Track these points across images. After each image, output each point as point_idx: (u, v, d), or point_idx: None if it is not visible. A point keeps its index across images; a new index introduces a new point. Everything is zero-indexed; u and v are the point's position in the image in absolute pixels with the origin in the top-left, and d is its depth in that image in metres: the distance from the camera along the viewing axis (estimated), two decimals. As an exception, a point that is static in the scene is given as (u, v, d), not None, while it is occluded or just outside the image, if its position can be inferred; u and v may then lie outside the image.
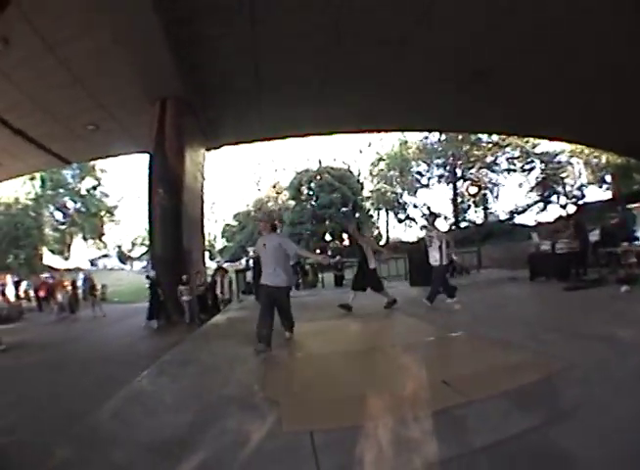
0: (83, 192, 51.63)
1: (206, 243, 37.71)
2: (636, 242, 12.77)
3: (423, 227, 12.49)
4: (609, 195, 38.60)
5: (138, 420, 4.12)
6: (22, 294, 24.89)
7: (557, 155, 43.48)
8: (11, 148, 17.86)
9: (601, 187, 42.55)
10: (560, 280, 12.51)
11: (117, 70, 12.92)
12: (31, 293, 25.72)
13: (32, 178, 44.09)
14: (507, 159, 46.71)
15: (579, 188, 44.21)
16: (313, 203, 49.56)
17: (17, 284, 24.97)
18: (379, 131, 27.89)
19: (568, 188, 44.77)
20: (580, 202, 40.60)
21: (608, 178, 41.14)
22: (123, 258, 66.31)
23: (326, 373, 5.38)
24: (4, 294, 20.40)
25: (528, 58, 13.80)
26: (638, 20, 11.46)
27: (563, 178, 44.31)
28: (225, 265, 23.54)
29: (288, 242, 7.25)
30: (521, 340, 5.98)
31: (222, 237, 60.15)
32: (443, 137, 47.56)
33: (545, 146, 42.94)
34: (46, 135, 17.52)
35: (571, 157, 43.17)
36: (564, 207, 43.30)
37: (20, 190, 44.74)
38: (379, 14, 11.45)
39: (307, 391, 4.52)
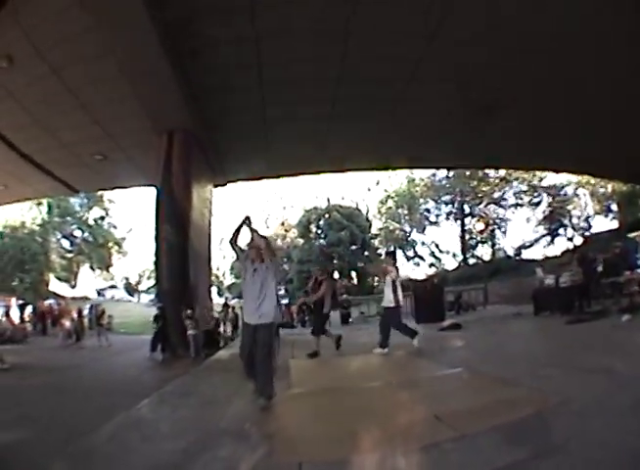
0: (91, 222, 51.77)
1: (215, 279, 37.85)
2: (639, 270, 12.78)
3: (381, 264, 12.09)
4: (615, 224, 38.34)
5: (134, 445, 4.24)
6: (27, 317, 24.57)
7: (563, 187, 43.47)
8: (17, 171, 17.96)
9: (607, 217, 42.40)
10: (563, 314, 12.48)
11: (124, 100, 13.01)
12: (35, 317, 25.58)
13: (39, 204, 44.20)
14: (514, 193, 46.64)
15: (586, 219, 44.05)
16: (322, 241, 49.75)
17: (22, 307, 24.70)
18: (386, 169, 28.07)
19: (574, 220, 44.68)
20: (587, 233, 40.48)
21: (614, 207, 41.09)
22: (131, 289, 66.26)
23: (321, 409, 5.44)
24: (8, 315, 20.15)
25: (532, 93, 13.98)
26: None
27: (569, 211, 44.25)
28: (233, 302, 23.68)
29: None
30: (519, 375, 6.00)
31: (231, 273, 60.10)
32: (451, 174, 47.43)
33: (552, 179, 42.94)
34: (53, 161, 17.64)
35: (578, 188, 43.10)
36: (571, 239, 43.23)
37: (26, 215, 44.95)
38: (386, 49, 11.68)
39: (301, 425, 4.58)
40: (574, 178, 40.41)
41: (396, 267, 10.66)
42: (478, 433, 3.91)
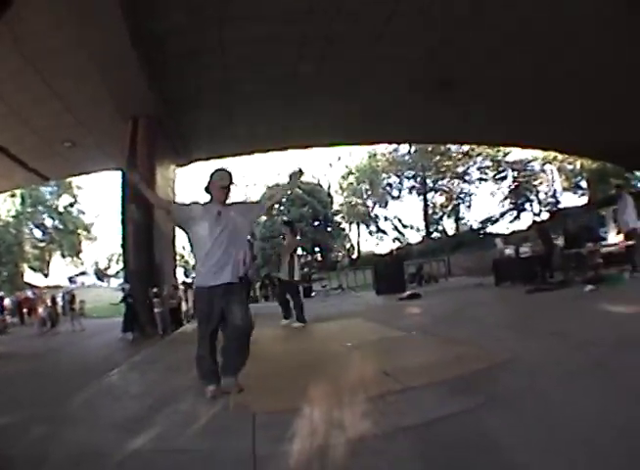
0: (61, 209, 51.46)
1: (180, 258, 37.58)
2: (602, 242, 13.08)
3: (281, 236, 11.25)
4: (585, 201, 38.73)
5: (105, 405, 4.64)
6: (6, 309, 24.96)
7: (529, 162, 44.00)
8: None
9: (576, 193, 43.09)
10: (524, 284, 12.50)
11: (94, 88, 13.21)
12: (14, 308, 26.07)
13: (13, 195, 43.95)
14: (478, 168, 47.40)
15: (553, 195, 44.72)
16: (285, 218, 49.31)
17: (1, 300, 25.08)
18: (348, 145, 28.14)
19: (542, 196, 45.23)
20: (554, 208, 40.88)
21: (583, 184, 41.68)
22: (101, 275, 65.61)
23: (276, 369, 5.66)
24: None
25: (496, 66, 14.20)
26: (608, 22, 11.88)
27: (536, 186, 44.75)
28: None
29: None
30: (472, 337, 6.22)
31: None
32: (413, 149, 48.16)
33: (517, 154, 43.52)
34: (26, 151, 17.74)
35: (544, 164, 43.61)
36: (537, 214, 43.73)
37: (0, 207, 44.77)
38: (347, 25, 11.94)
39: (256, 383, 4.72)
40: (541, 154, 40.87)
41: (296, 239, 10.38)
42: (422, 385, 4.12)
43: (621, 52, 13.12)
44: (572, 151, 27.77)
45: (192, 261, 52.80)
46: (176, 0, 10.65)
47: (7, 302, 26.66)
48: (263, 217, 50.44)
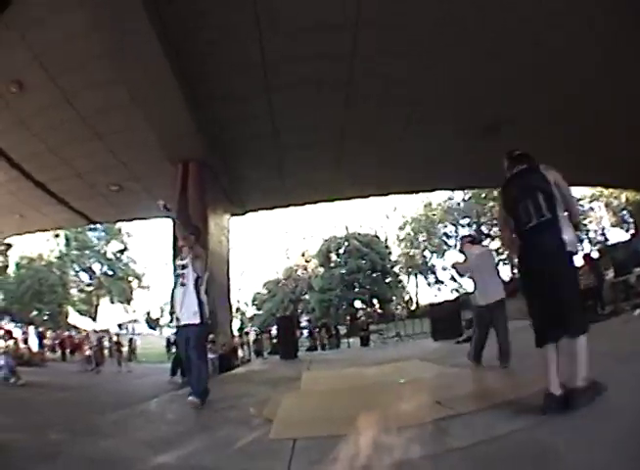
0: (110, 255, 51.65)
1: (236, 310, 37.71)
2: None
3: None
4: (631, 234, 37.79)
5: (139, 426, 4.42)
6: (46, 345, 24.79)
7: (578, 201, 43.27)
8: (32, 200, 17.85)
9: (622, 228, 42.02)
10: None
11: (137, 129, 12.92)
12: (55, 345, 25.87)
13: (57, 236, 44.70)
14: (530, 211, 46.29)
15: (602, 232, 43.80)
16: (342, 270, 49.55)
17: (41, 335, 25.15)
18: (396, 194, 27.86)
19: (591, 234, 44.36)
20: (601, 246, 39.72)
21: (629, 218, 40.80)
22: (152, 323, 66.25)
23: (327, 402, 5.54)
24: (26, 342, 20.48)
25: (535, 108, 13.81)
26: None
27: (586, 225, 43.94)
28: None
29: None
30: (525, 368, 5.91)
31: (252, 305, 60.05)
32: (467, 196, 47.66)
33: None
34: (68, 191, 17.51)
35: (592, 201, 42.90)
36: (588, 254, 42.76)
37: (43, 246, 45.33)
38: (392, 77, 11.87)
39: (303, 412, 4.69)
40: (588, 192, 40.25)
41: (201, 253, 6.49)
42: (474, 411, 4.04)
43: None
44: (619, 184, 27.08)
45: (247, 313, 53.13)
46: (221, 42, 10.52)
47: (48, 338, 26.56)
48: (321, 269, 51.38)
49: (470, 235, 13.38)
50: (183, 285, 6.13)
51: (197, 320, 5.88)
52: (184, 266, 6.21)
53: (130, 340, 26.17)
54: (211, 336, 13.31)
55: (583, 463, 2.58)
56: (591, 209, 43.61)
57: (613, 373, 4.09)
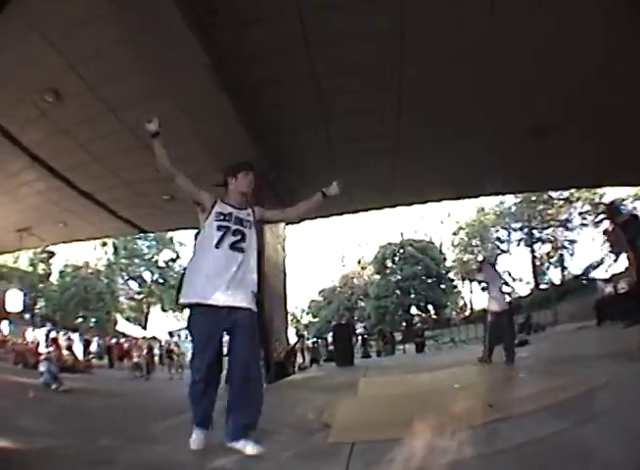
0: (161, 264, 52.32)
1: (292, 318, 37.76)
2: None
3: None
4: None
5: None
6: (92, 352, 25.11)
7: (623, 200, 42.29)
8: (77, 209, 17.57)
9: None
10: (623, 320, 12.00)
11: (187, 139, 12.29)
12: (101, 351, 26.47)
13: (104, 244, 45.51)
14: (579, 213, 45.72)
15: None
16: (398, 277, 49.88)
17: (86, 342, 25.37)
18: (447, 200, 27.53)
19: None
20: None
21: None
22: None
23: (383, 407, 5.66)
24: (70, 349, 20.16)
25: (586, 109, 13.59)
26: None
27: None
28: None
29: None
30: (572, 369, 6.46)
31: (308, 313, 60.43)
32: (518, 200, 47.18)
33: (612, 195, 41.47)
34: (116, 200, 17.30)
35: (635, 200, 41.96)
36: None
37: (90, 255, 46.04)
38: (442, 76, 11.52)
39: (359, 416, 4.81)
40: (632, 191, 39.37)
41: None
42: (523, 413, 4.10)
43: None
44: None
45: (303, 321, 53.40)
46: (269, 50, 10.19)
47: (93, 346, 26.79)
48: (377, 276, 51.79)
49: None
50: (240, 250, 4.00)
51: (254, 305, 3.94)
52: (244, 223, 4.19)
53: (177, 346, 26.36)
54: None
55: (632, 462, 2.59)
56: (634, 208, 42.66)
57: None
